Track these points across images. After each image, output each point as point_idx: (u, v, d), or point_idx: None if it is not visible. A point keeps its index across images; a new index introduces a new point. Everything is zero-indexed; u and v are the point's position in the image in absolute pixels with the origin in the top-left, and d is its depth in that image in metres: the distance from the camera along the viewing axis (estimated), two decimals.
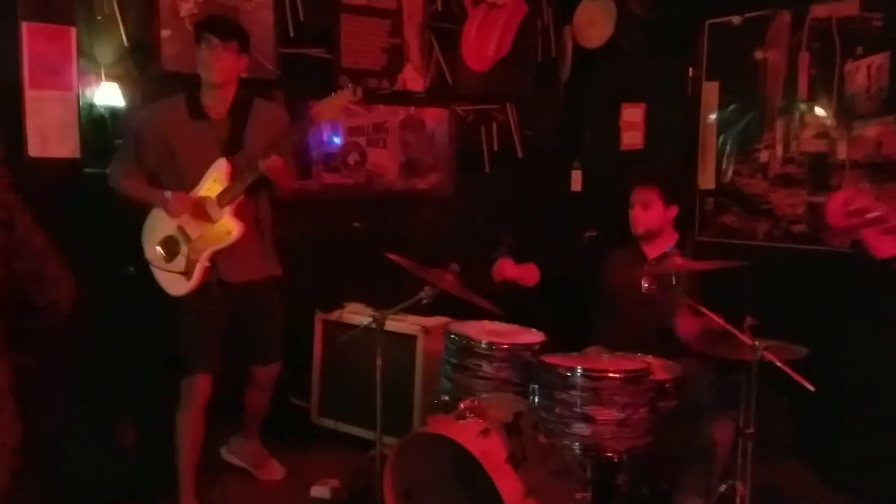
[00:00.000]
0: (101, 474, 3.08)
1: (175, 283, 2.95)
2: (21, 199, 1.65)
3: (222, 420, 3.28)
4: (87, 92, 3.37)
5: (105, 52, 3.44)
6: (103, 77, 3.42)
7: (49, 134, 3.15)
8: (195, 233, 2.92)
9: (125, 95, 3.47)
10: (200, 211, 2.88)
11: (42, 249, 1.65)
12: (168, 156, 2.94)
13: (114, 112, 3.44)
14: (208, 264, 2.92)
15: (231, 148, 2.92)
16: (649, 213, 3.09)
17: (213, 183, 2.92)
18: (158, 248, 2.95)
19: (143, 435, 3.29)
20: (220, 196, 2.89)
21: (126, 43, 3.48)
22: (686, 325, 2.81)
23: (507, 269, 3.10)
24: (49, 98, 3.14)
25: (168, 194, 2.92)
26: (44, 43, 3.11)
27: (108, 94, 3.42)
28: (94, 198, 3.35)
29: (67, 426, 3.16)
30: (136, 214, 3.15)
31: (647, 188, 3.09)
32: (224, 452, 3.50)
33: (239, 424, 3.41)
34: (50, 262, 1.66)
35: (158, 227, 2.97)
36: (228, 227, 2.91)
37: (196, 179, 2.92)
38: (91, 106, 3.39)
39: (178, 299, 2.96)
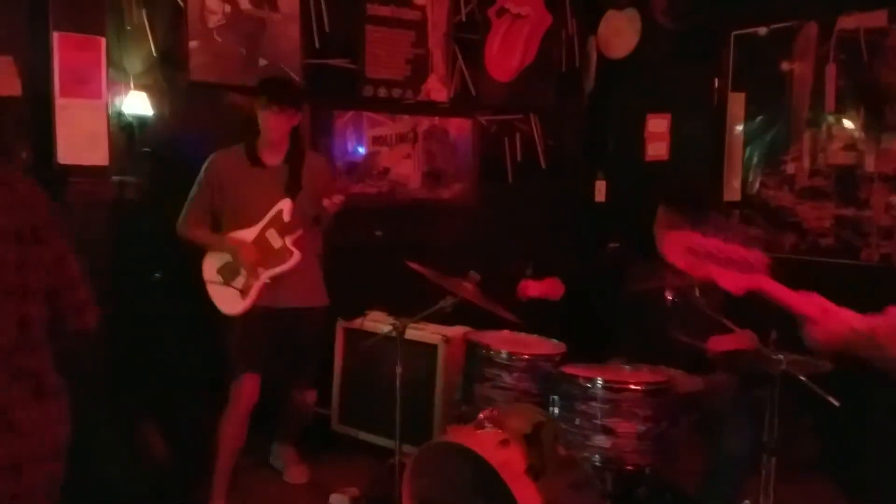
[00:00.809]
0: (126, 477, 3.11)
1: (231, 302, 3.15)
2: (58, 222, 1.69)
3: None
4: (116, 101, 3.43)
5: (134, 61, 3.50)
6: (132, 86, 3.49)
7: (78, 142, 3.20)
8: (251, 257, 3.14)
9: (153, 105, 3.53)
10: (263, 243, 3.16)
11: (76, 273, 1.70)
12: (230, 199, 3.18)
13: (142, 121, 3.50)
14: (266, 282, 3.13)
15: (291, 190, 3.20)
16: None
17: (275, 218, 3.17)
18: (217, 273, 3.18)
19: (171, 438, 3.33)
20: (283, 228, 3.16)
21: (155, 53, 3.54)
22: (719, 343, 2.77)
23: (531, 288, 3.12)
24: (79, 106, 3.20)
25: (235, 242, 3.15)
26: (74, 52, 3.17)
27: (136, 103, 3.48)
28: (122, 204, 3.41)
29: (93, 429, 3.20)
30: (163, 222, 3.20)
31: (675, 214, 3.07)
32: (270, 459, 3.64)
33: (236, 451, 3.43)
34: (81, 286, 1.71)
35: (218, 255, 3.19)
36: (288, 253, 3.17)
37: (257, 218, 3.17)
38: (120, 114, 3.45)
39: (228, 317, 3.15)
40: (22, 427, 1.48)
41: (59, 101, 3.16)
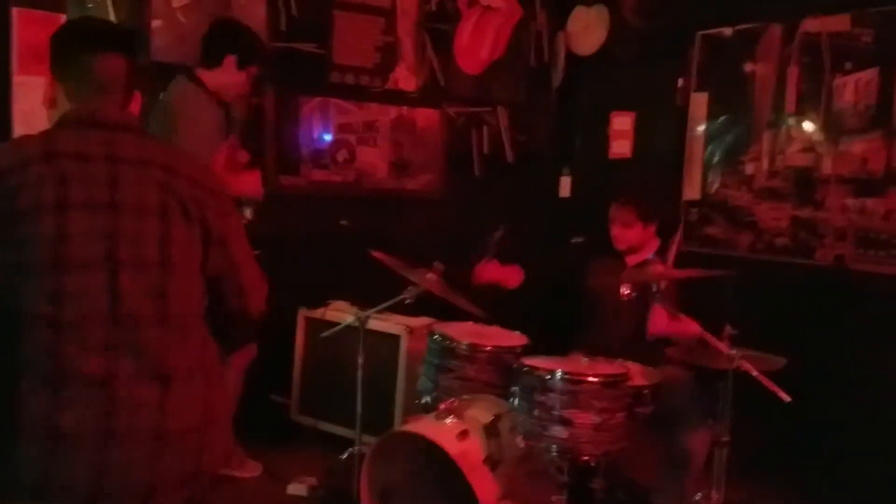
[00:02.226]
0: None
1: None
2: (229, 202, 1.67)
3: None
4: None
5: None
6: None
7: (35, 120, 3.11)
8: None
9: None
10: None
11: (238, 255, 1.66)
12: (202, 135, 3.05)
13: None
14: None
15: (232, 127, 3.24)
16: (630, 232, 3.15)
17: None
18: None
19: None
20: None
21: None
22: (659, 324, 2.84)
23: (491, 270, 3.11)
24: (37, 84, 3.11)
25: None
26: (34, 29, 3.10)
27: None
28: None
29: None
30: None
31: (626, 208, 3.14)
32: None
33: None
34: (245, 268, 1.68)
35: None
36: None
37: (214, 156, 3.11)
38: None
39: None
40: (123, 402, 1.43)
41: (17, 79, 3.09)
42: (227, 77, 3.09)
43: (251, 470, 3.43)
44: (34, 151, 1.47)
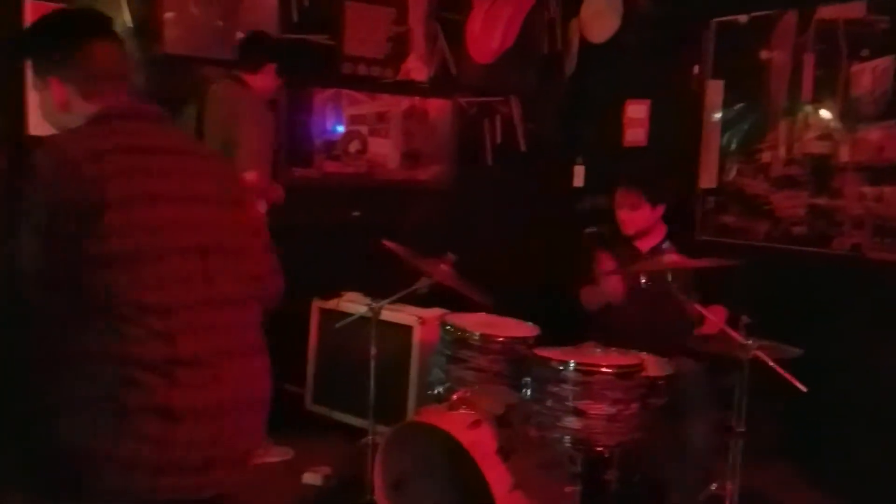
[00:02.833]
0: None
1: None
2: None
3: None
4: None
5: None
6: None
7: None
8: None
9: None
10: None
11: (268, 242, 1.80)
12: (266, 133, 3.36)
13: None
14: None
15: None
16: (637, 215, 3.13)
17: None
18: None
19: None
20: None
21: (129, 23, 3.47)
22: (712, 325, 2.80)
23: (607, 261, 3.12)
24: None
25: None
26: None
27: None
28: None
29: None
30: None
31: (632, 191, 3.12)
32: None
33: None
34: (269, 256, 1.79)
35: None
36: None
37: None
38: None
39: None
40: (225, 378, 1.52)
41: (31, 71, 3.10)
42: (269, 82, 3.40)
43: (282, 454, 3.46)
44: (104, 144, 1.49)
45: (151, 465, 1.44)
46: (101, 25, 1.63)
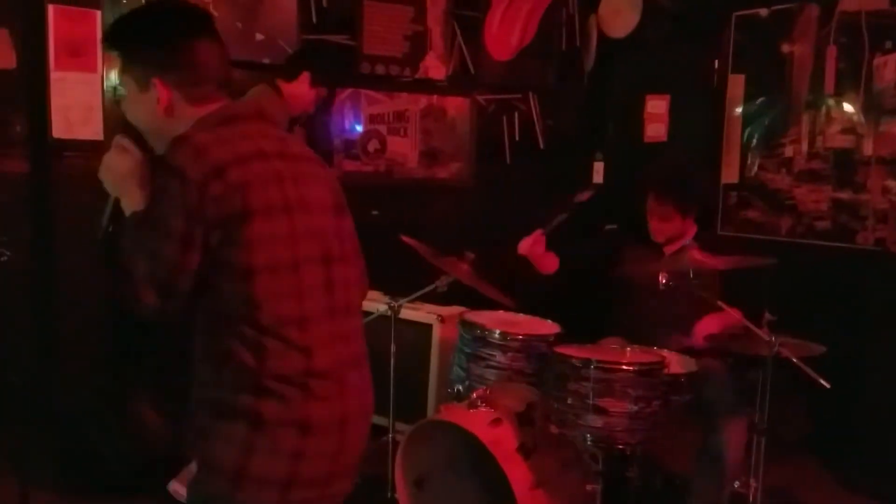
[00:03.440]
0: (121, 452, 3.13)
1: None
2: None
3: None
4: (111, 74, 3.40)
5: None
6: None
7: (73, 115, 3.18)
8: None
9: None
10: None
11: (359, 247, 1.78)
12: None
13: None
14: None
15: None
16: (668, 225, 3.07)
17: None
18: None
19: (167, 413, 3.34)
20: None
21: None
22: (707, 325, 2.78)
23: (537, 247, 3.06)
24: (73, 80, 3.17)
25: None
26: (69, 25, 3.14)
27: None
28: None
29: (88, 403, 3.22)
30: None
31: (665, 203, 3.05)
32: None
33: None
34: (362, 261, 1.77)
35: None
36: None
37: None
38: (115, 88, 3.42)
39: None
40: (349, 389, 1.51)
41: (54, 75, 3.14)
42: (302, 90, 3.27)
43: None
44: (246, 148, 1.43)
45: (283, 480, 1.41)
46: (206, 23, 1.53)
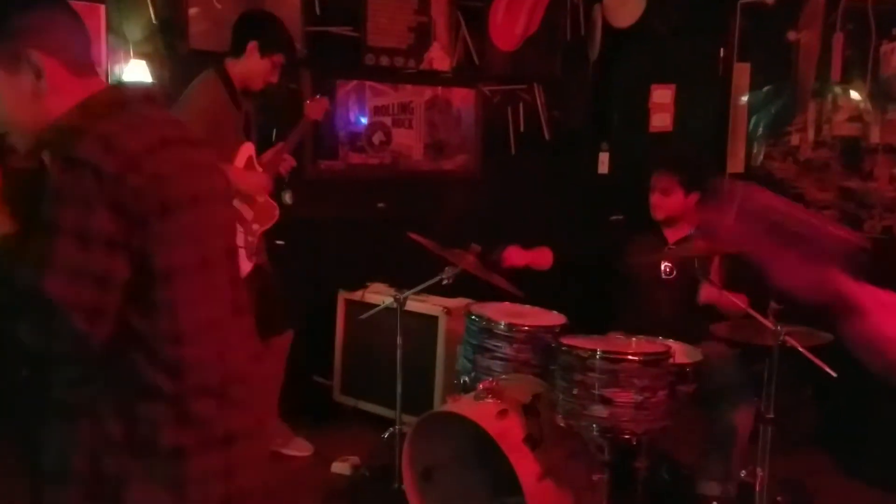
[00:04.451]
0: None
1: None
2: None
3: None
4: (116, 69, 3.41)
5: (134, 29, 3.48)
6: (132, 54, 3.46)
7: None
8: (248, 214, 3.04)
9: (153, 73, 3.50)
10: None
11: None
12: (217, 136, 2.96)
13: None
14: (260, 241, 3.08)
15: (252, 133, 3.14)
16: (669, 200, 3.06)
17: (249, 166, 3.07)
18: None
19: None
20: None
21: (154, 20, 3.51)
22: (710, 293, 2.79)
23: (515, 256, 3.08)
24: None
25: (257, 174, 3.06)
26: None
27: (136, 72, 3.45)
28: None
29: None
30: None
31: (667, 175, 3.06)
32: None
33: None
34: None
35: None
36: (272, 208, 3.12)
37: (230, 160, 3.00)
38: (119, 83, 3.43)
39: None
40: (256, 385, 1.44)
41: None
42: (251, 64, 3.01)
43: (301, 448, 3.49)
44: (154, 135, 1.27)
45: (222, 498, 1.30)
46: None
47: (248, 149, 3.08)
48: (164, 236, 1.23)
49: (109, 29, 3.29)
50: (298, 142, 3.41)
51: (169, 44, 3.55)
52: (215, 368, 1.31)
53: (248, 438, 1.36)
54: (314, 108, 3.33)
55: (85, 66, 1.30)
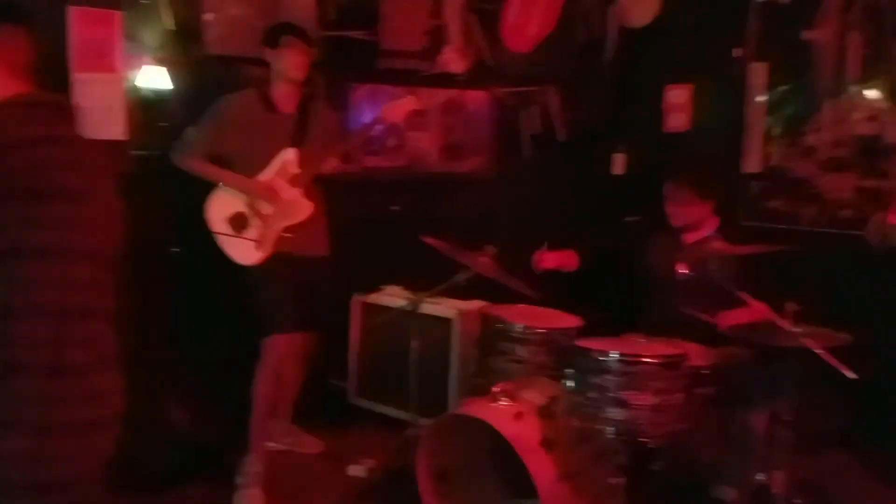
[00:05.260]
0: (149, 452, 3.17)
1: (245, 252, 3.16)
2: (117, 180, 1.76)
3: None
4: (133, 75, 3.44)
5: (150, 35, 3.50)
6: (149, 60, 3.49)
7: (96, 116, 3.21)
8: (267, 210, 3.17)
9: (171, 78, 3.53)
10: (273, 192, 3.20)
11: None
12: (243, 143, 3.18)
13: (159, 95, 3.51)
14: (285, 235, 3.16)
15: (299, 140, 3.23)
16: (685, 209, 3.07)
17: (283, 168, 3.20)
18: (227, 223, 3.18)
19: (195, 412, 3.38)
20: (293, 179, 3.19)
21: (171, 26, 3.54)
22: (733, 317, 2.76)
23: (547, 260, 3.13)
24: (96, 81, 3.20)
25: (263, 186, 3.19)
26: (91, 26, 3.17)
27: (153, 77, 3.48)
28: (141, 178, 3.43)
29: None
30: (184, 196, 3.23)
31: (682, 187, 3.06)
32: None
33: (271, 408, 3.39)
34: None
35: (226, 204, 3.21)
36: (302, 205, 3.21)
37: (263, 165, 3.19)
38: (137, 89, 3.46)
39: (252, 269, 3.16)
40: (96, 392, 1.53)
41: (76, 76, 3.17)
42: (272, 61, 3.21)
43: (312, 446, 3.51)
44: (37, 133, 1.50)
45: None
46: (9, 10, 1.62)
47: (286, 154, 3.20)
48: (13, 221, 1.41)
49: (126, 35, 3.31)
50: (351, 145, 3.63)
51: (185, 49, 3.58)
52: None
53: (66, 430, 1.46)
54: (394, 109, 3.38)
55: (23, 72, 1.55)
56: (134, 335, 3.30)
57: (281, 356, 3.21)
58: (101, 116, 3.21)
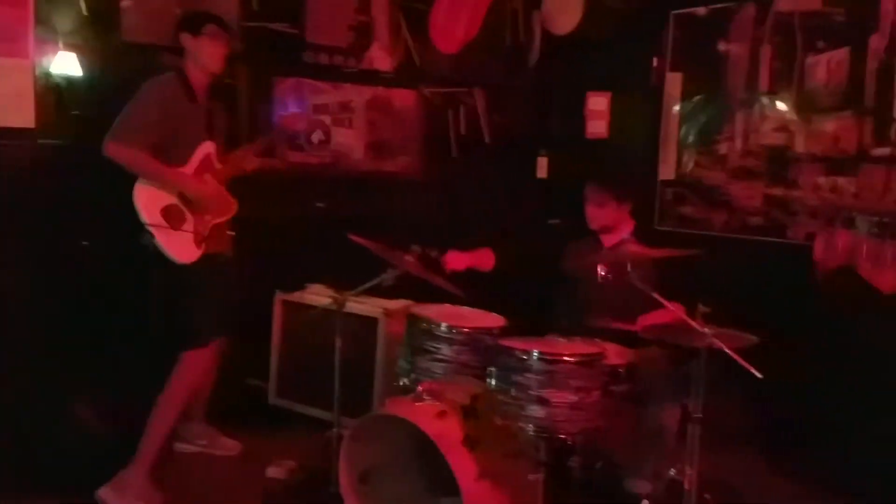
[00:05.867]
0: (59, 454, 3.04)
1: (183, 248, 2.97)
2: None
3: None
4: (44, 61, 3.29)
5: (63, 20, 3.35)
6: (61, 46, 3.34)
7: (3, 103, 3.07)
8: (197, 205, 3.04)
9: (83, 65, 3.39)
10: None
11: None
12: (167, 132, 2.98)
13: (71, 82, 3.36)
14: (208, 234, 3.04)
15: (215, 132, 3.15)
16: (603, 211, 3.21)
17: (206, 162, 3.10)
18: (162, 217, 2.94)
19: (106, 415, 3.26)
20: (216, 174, 3.13)
21: (85, 12, 3.40)
22: (651, 319, 2.85)
23: (455, 260, 3.15)
24: (4, 66, 3.07)
25: (202, 184, 3.07)
26: (0, 9, 3.03)
27: (65, 64, 3.34)
28: (49, 168, 3.29)
29: (29, 407, 3.12)
30: (91, 186, 3.11)
31: (600, 188, 3.19)
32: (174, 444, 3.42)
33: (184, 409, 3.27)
34: None
35: (156, 195, 2.96)
36: (229, 201, 3.14)
37: (186, 157, 3.04)
38: (47, 75, 3.31)
39: (184, 268, 2.96)
40: None
41: None
42: (191, 49, 3.08)
43: (228, 448, 3.44)
44: None
45: None
46: None
47: (206, 147, 3.09)
48: None
49: (38, 19, 3.17)
50: (270, 145, 3.56)
51: (100, 36, 3.44)
52: None
53: None
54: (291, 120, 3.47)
55: None
56: (42, 330, 3.21)
57: (204, 371, 3.12)
58: (10, 103, 3.07)
